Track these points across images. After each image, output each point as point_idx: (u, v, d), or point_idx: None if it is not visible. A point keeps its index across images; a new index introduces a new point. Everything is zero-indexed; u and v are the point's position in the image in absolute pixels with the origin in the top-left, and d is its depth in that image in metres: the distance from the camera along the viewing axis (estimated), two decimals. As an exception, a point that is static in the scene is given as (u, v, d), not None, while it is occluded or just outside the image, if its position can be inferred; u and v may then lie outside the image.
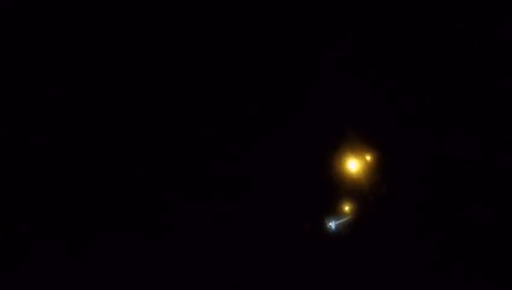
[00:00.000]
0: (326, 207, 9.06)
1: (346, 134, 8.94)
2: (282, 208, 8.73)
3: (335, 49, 8.15)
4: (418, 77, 7.77)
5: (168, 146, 7.84)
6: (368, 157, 8.97)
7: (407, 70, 7.76)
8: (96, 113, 7.30)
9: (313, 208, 9.08)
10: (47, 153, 7.18)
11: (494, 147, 7.40)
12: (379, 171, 8.76)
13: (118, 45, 7.13)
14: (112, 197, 7.61)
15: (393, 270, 8.12)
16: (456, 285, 7.60)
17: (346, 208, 9.26)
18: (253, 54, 7.90)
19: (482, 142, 7.41)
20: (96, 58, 7.13)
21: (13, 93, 6.85)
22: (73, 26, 6.82)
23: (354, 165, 8.98)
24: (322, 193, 9.09)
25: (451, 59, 7.45)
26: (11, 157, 6.96)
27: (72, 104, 7.17)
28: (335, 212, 9.01)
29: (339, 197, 9.15)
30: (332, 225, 8.77)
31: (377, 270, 8.24)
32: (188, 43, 7.45)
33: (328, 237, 8.80)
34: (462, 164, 7.63)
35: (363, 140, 8.90)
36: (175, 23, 7.23)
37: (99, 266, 7.27)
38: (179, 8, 7.08)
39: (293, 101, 8.67)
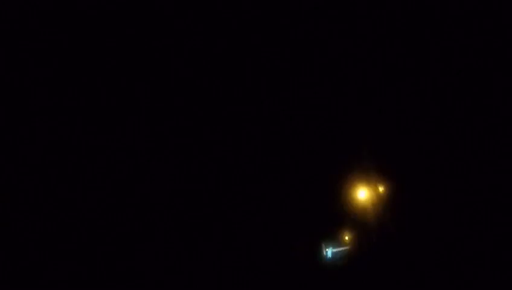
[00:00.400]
0: (327, 233, 8.61)
1: (363, 163, 8.55)
2: (282, 228, 8.46)
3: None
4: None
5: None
6: (380, 189, 8.46)
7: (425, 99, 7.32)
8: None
9: (314, 232, 8.68)
10: (49, 155, 7.13)
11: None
12: (388, 205, 8.23)
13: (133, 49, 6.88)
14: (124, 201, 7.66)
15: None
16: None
17: (347, 238, 8.71)
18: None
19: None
20: (100, 60, 6.91)
21: (13, 93, 6.72)
22: (74, 26, 6.62)
23: (363, 195, 8.50)
24: (327, 219, 8.68)
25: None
26: (11, 157, 6.91)
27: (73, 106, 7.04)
28: (336, 240, 8.51)
29: (343, 225, 8.65)
30: (329, 252, 8.26)
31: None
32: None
33: (322, 264, 8.31)
34: (469, 207, 7.02)
35: (378, 172, 8.44)
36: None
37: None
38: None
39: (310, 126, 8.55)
